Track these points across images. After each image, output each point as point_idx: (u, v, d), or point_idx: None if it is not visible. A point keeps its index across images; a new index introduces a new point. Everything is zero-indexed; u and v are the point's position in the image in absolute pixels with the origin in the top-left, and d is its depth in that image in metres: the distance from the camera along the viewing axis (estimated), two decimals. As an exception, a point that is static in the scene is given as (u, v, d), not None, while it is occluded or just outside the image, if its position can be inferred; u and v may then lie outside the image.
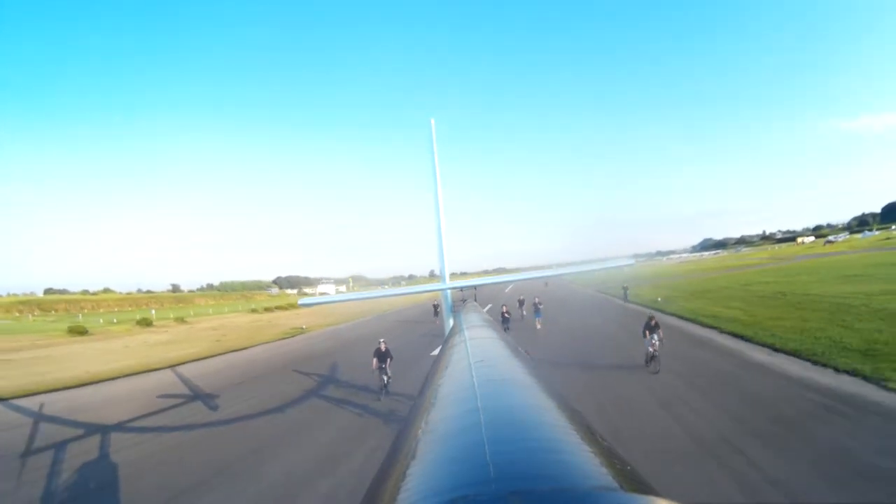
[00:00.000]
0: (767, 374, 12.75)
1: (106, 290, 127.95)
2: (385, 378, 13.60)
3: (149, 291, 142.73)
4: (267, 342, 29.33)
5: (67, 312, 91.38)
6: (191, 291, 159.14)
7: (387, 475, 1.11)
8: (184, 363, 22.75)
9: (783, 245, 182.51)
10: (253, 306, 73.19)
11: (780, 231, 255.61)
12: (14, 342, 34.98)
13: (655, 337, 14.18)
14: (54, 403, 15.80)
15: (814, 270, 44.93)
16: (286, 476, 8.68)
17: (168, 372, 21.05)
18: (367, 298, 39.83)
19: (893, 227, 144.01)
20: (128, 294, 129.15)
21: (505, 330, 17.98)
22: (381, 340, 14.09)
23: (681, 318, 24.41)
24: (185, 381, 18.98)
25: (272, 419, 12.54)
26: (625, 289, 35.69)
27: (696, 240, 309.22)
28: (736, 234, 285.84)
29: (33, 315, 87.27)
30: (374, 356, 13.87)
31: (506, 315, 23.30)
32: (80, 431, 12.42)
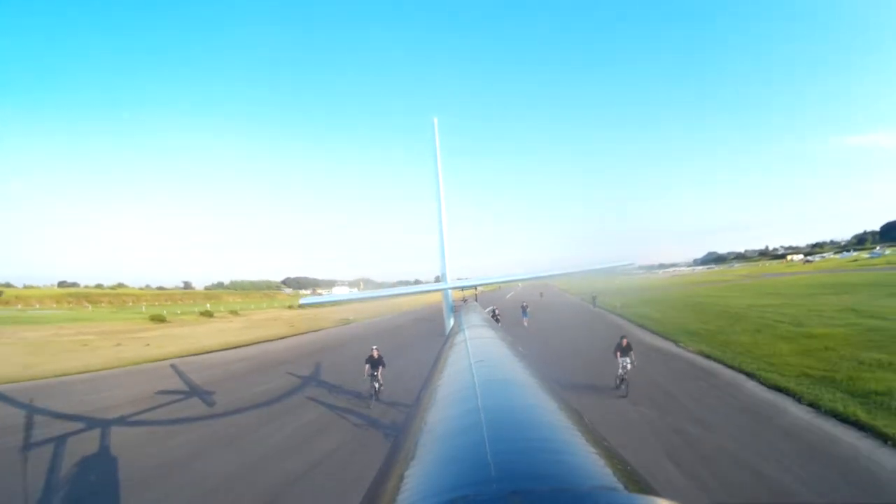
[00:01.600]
0: (634, 337, 22.95)
1: (120, 285, 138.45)
2: (376, 385, 13.54)
3: (160, 288, 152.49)
4: (329, 328, 39.83)
5: (111, 304, 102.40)
6: (207, 288, 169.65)
7: (387, 475, 1.12)
8: (282, 338, 33.21)
9: (772, 262, 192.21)
10: (288, 304, 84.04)
11: (782, 247, 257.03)
12: (117, 327, 45.63)
13: (627, 360, 13.44)
14: (241, 354, 26.16)
15: (758, 287, 55.14)
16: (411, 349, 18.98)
17: (283, 342, 31.44)
18: (370, 298, 41.21)
19: (878, 247, 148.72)
20: (146, 289, 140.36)
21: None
22: (374, 347, 13.95)
23: (621, 316, 34.94)
24: (308, 343, 29.49)
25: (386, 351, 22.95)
26: (594, 297, 46.28)
27: (702, 252, 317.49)
28: (741, 249, 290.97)
29: (84, 306, 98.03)
30: (367, 363, 13.77)
31: (497, 315, 27.58)
32: (286, 360, 23.01)
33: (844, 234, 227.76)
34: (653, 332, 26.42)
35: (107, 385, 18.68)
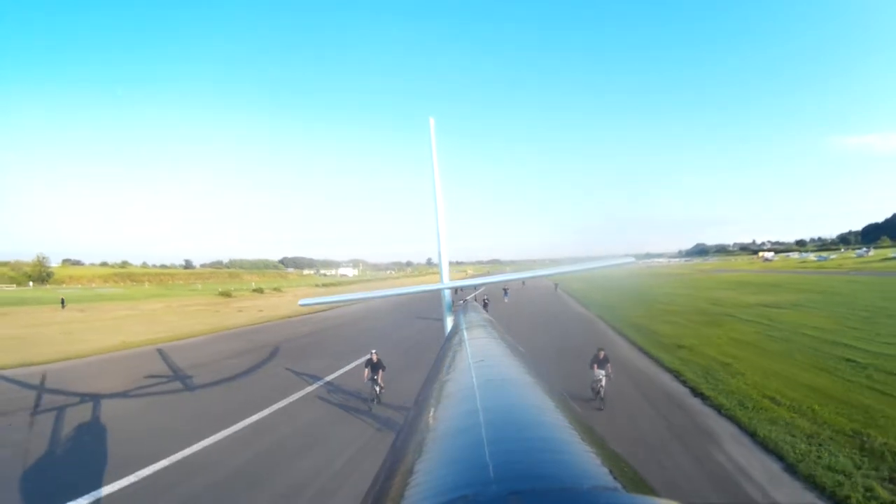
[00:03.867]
0: (566, 303, 38.37)
1: (124, 263, 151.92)
2: (377, 389, 13.45)
3: (163, 266, 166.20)
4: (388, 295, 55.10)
5: (150, 283, 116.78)
6: (203, 266, 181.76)
7: (387, 475, 1.12)
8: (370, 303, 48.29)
9: (744, 257, 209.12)
10: (314, 283, 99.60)
11: (769, 242, 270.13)
12: (204, 300, 60.70)
13: (603, 372, 12.76)
14: (336, 311, 41.33)
15: (696, 281, 71.53)
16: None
17: (356, 306, 46.47)
18: (368, 299, 43.72)
19: (864, 248, 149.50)
20: (172, 268, 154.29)
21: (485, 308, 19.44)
22: (373, 351, 13.73)
23: (569, 295, 50.48)
24: (377, 307, 44.62)
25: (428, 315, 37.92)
26: (555, 284, 62.52)
27: (691, 243, 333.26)
28: (731, 242, 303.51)
29: (125, 284, 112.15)
30: (367, 366, 13.57)
31: (486, 301, 34.37)
32: (371, 310, 38.15)
33: (833, 232, 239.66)
34: (580, 303, 41.93)
35: (298, 322, 34.24)
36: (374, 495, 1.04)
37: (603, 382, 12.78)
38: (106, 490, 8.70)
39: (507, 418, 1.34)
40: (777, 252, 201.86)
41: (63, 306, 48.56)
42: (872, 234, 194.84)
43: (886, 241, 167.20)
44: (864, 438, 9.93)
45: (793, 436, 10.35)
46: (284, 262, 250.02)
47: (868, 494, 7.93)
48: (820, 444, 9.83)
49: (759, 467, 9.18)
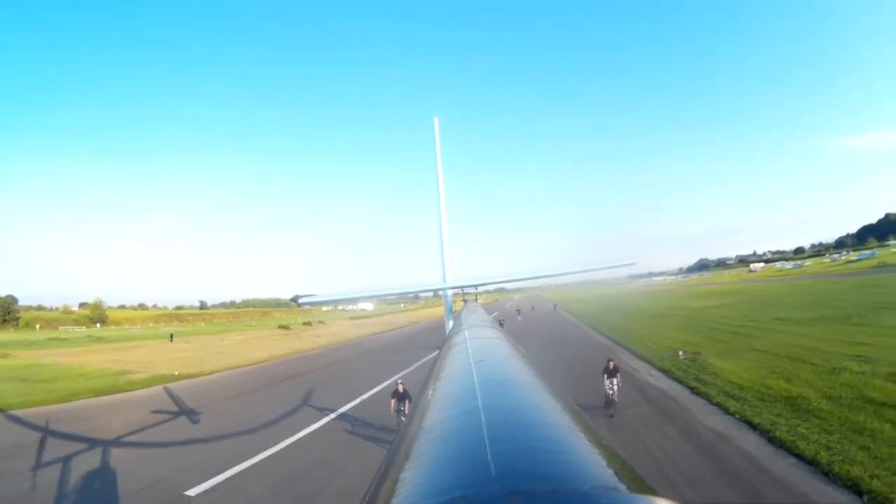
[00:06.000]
0: (564, 318, 52.12)
1: (141, 306, 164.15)
2: (403, 419, 13.14)
3: (178, 307, 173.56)
4: (409, 324, 68.88)
5: (192, 323, 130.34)
6: (214, 307, 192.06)
7: (388, 474, 1.13)
8: (398, 328, 62.14)
9: (734, 271, 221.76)
10: (344, 316, 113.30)
11: (769, 252, 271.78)
12: (268, 332, 74.60)
13: (614, 381, 14.31)
14: (385, 334, 55.29)
15: (674, 293, 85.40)
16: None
17: (405, 328, 60.20)
18: (368, 299, 49.65)
19: (834, 253, 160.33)
20: (182, 309, 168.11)
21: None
22: (399, 382, 13.98)
23: (567, 311, 64.29)
24: (429, 325, 58.25)
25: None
26: (554, 305, 76.13)
27: (694, 259, 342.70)
28: (733, 254, 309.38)
29: (171, 324, 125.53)
30: (392, 397, 13.70)
31: (500, 321, 38.84)
32: (419, 330, 52.14)
33: (833, 236, 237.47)
34: (574, 315, 55.75)
35: (381, 339, 47.96)
36: (375, 494, 1.05)
37: (616, 391, 14.20)
38: (365, 396, 22.67)
39: (508, 418, 1.35)
40: (769, 262, 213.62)
41: (172, 340, 62.47)
42: (866, 236, 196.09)
43: (874, 242, 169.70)
44: (679, 350, 23.90)
45: (651, 350, 24.40)
46: (296, 300, 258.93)
47: (666, 360, 21.83)
48: (661, 354, 23.77)
49: (630, 362, 23.22)
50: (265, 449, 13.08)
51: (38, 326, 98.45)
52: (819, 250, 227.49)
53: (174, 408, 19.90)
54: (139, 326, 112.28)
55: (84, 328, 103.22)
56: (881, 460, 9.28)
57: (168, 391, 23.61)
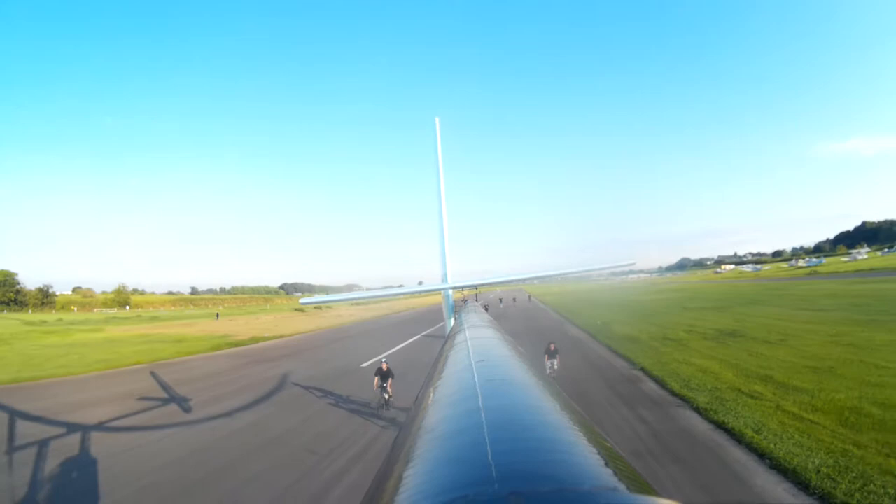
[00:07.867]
0: (533, 303, 65.72)
1: (135, 291, 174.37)
2: (386, 396, 14.17)
3: (169, 293, 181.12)
4: (408, 309, 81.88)
5: (206, 307, 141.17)
6: (204, 293, 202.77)
7: (388, 474, 1.14)
8: (399, 312, 75.21)
9: (706, 271, 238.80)
10: (351, 302, 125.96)
11: (749, 254, 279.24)
12: (283, 315, 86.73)
13: (554, 362, 15.45)
14: (407, 313, 68.31)
15: (638, 290, 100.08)
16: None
17: (405, 312, 73.37)
18: (369, 298, 52.35)
19: (792, 259, 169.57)
20: (210, 294, 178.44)
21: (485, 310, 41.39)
22: (383, 360, 14.50)
23: (539, 300, 78.03)
24: (427, 310, 71.65)
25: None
26: (529, 295, 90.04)
27: (677, 258, 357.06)
28: (715, 255, 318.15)
29: (187, 308, 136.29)
30: (376, 375, 14.21)
31: (485, 306, 34.75)
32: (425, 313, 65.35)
33: (813, 240, 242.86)
34: (544, 304, 69.09)
35: (394, 317, 61.12)
36: (376, 494, 1.06)
37: (555, 369, 15.51)
38: (417, 336, 35.92)
39: (509, 418, 1.35)
40: (740, 264, 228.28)
41: (217, 318, 74.63)
42: (842, 242, 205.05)
43: (843, 249, 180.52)
44: (600, 321, 37.38)
45: (585, 321, 38.02)
46: (285, 288, 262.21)
47: (590, 326, 35.34)
48: (591, 323, 37.24)
49: (575, 331, 36.79)
50: (391, 349, 27.75)
51: (74, 309, 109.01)
52: (797, 253, 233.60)
53: (321, 343, 33.74)
54: (162, 309, 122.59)
55: (115, 310, 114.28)
56: (653, 358, 22.82)
57: (292, 340, 36.79)
